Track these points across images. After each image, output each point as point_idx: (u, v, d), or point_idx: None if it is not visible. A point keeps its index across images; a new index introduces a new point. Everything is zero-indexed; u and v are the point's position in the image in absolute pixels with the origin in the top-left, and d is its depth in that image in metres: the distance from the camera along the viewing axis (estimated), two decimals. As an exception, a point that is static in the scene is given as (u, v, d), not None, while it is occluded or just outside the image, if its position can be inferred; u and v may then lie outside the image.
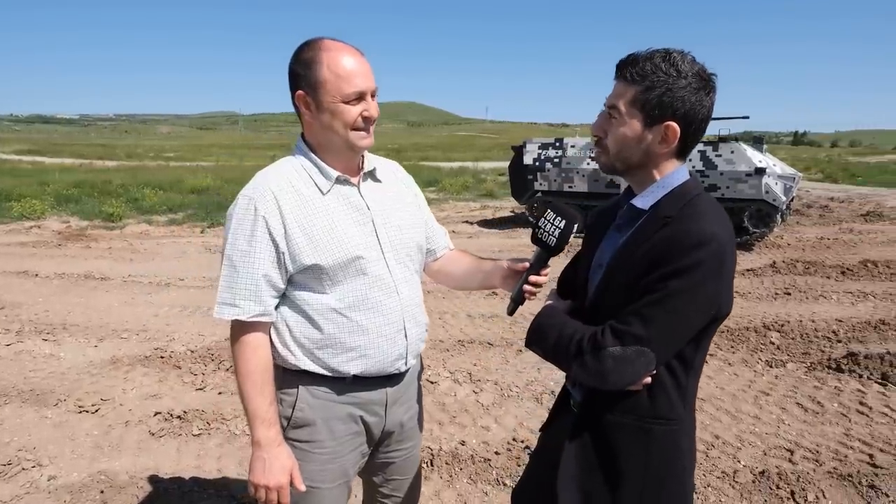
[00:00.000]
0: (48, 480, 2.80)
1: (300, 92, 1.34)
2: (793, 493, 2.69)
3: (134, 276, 6.94)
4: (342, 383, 1.43)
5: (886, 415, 3.45)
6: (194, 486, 2.77)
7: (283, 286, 1.38)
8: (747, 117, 9.71)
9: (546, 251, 1.41)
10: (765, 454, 3.05)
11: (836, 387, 3.84)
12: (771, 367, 4.23)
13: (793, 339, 4.76)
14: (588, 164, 9.87)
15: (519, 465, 2.93)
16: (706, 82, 1.18)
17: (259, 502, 1.39)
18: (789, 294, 6.13)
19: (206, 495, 2.71)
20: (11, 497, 2.66)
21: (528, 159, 10.44)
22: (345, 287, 1.38)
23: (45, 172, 19.93)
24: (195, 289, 6.46)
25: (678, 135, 1.19)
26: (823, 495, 2.68)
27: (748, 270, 7.22)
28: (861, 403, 3.60)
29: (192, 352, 4.47)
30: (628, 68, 1.19)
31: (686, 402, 1.27)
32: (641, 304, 1.14)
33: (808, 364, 4.24)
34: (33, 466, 2.91)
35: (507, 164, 11.91)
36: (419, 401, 1.68)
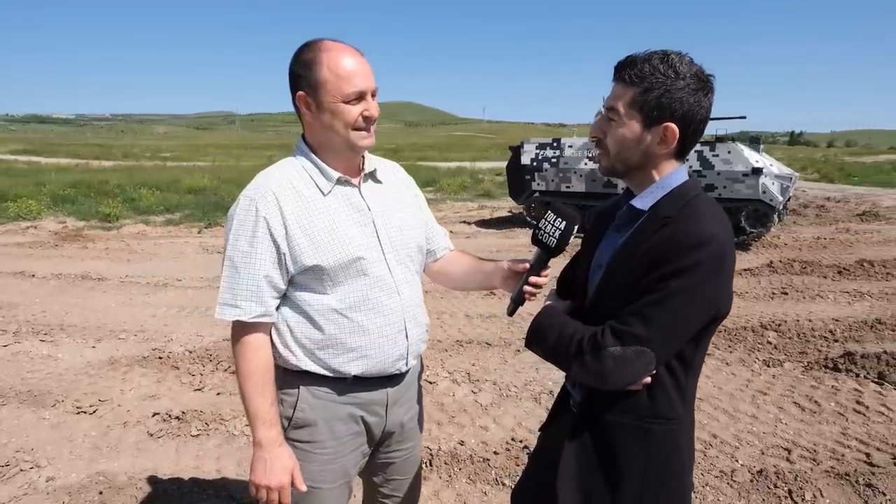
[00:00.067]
0: (46, 482, 2.80)
1: (301, 93, 1.34)
2: (790, 491, 2.71)
3: (131, 277, 6.92)
4: (343, 384, 1.44)
5: (883, 414, 3.47)
6: (193, 487, 2.77)
7: (284, 287, 1.38)
8: (744, 117, 9.74)
9: (546, 252, 1.42)
10: (762, 453, 3.06)
11: (833, 386, 3.86)
12: (768, 366, 4.24)
13: (790, 338, 4.78)
14: (585, 164, 9.88)
15: (518, 465, 2.94)
16: (704, 83, 1.19)
17: (260, 503, 1.39)
18: (786, 294, 6.15)
19: (205, 496, 2.71)
20: (10, 498, 2.65)
21: (525, 159, 10.45)
22: (346, 288, 1.38)
23: (42, 172, 19.86)
24: (193, 289, 6.45)
25: (677, 135, 1.19)
26: (821, 494, 2.69)
27: (745, 270, 7.25)
28: (858, 403, 3.61)
29: (191, 352, 4.46)
30: (626, 70, 1.19)
31: (685, 402, 1.27)
32: (641, 305, 1.14)
33: (806, 363, 4.26)
34: (31, 468, 2.90)
35: (504, 164, 11.92)
36: (419, 401, 1.69)
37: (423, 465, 2.90)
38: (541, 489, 1.47)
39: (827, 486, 2.74)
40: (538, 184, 10.38)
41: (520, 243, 9.39)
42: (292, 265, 1.35)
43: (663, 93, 1.16)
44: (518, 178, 10.65)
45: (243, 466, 2.87)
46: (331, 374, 1.42)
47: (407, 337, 1.47)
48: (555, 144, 10.32)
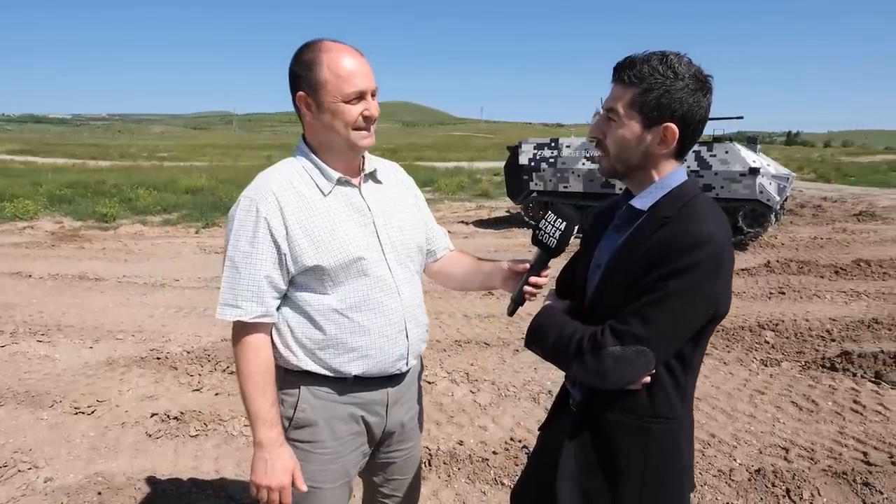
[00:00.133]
0: (45, 482, 2.79)
1: (301, 93, 1.34)
2: (788, 490, 2.72)
3: (129, 277, 6.91)
4: (344, 384, 1.44)
5: (880, 413, 3.48)
6: (192, 488, 2.77)
7: (284, 287, 1.38)
8: (741, 117, 9.77)
9: (546, 253, 1.42)
10: (760, 452, 3.07)
11: (830, 385, 3.88)
12: (766, 366, 4.26)
13: (787, 338, 4.80)
14: (583, 164, 9.89)
15: (517, 465, 2.94)
16: (703, 84, 1.19)
17: (261, 503, 1.39)
18: (783, 293, 6.17)
19: (203, 496, 2.70)
20: (8, 499, 2.65)
21: (523, 159, 10.46)
22: (346, 288, 1.39)
23: (38, 172, 19.79)
24: (190, 289, 6.44)
25: (677, 136, 1.20)
26: (818, 493, 2.70)
27: (743, 270, 7.27)
28: (855, 402, 3.63)
29: (189, 353, 4.45)
30: (626, 71, 1.20)
31: (685, 401, 1.28)
32: (641, 304, 1.15)
33: (803, 363, 4.27)
34: (29, 468, 2.90)
35: (502, 164, 11.93)
36: (419, 401, 1.69)
37: (423, 465, 2.90)
38: (540, 489, 1.47)
39: (824, 485, 2.75)
40: (536, 184, 10.39)
41: (518, 243, 9.39)
42: (293, 265, 1.35)
43: (663, 93, 1.17)
44: (516, 178, 10.66)
45: (242, 467, 2.87)
46: (331, 374, 1.42)
47: (407, 337, 1.47)
48: (552, 144, 10.33)
